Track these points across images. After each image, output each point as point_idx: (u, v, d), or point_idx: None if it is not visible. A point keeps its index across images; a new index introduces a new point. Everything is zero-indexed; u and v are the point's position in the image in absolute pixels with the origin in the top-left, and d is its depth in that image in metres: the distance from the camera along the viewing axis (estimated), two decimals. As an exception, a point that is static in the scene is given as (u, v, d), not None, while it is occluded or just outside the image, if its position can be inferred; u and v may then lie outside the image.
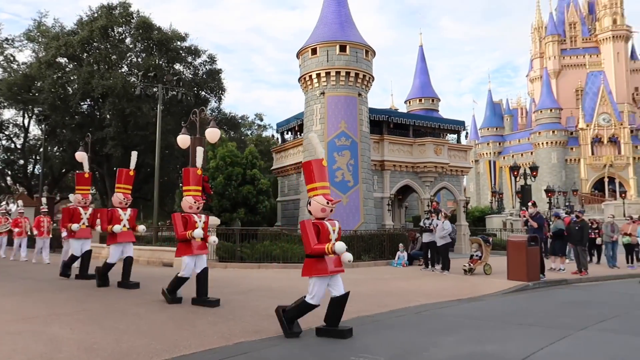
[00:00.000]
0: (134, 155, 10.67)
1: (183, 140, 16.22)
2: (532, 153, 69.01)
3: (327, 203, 6.09)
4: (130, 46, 33.16)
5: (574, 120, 69.64)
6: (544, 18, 79.08)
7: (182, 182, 8.83)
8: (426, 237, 15.21)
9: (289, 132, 27.92)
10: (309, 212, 6.22)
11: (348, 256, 5.84)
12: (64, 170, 38.64)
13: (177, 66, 33.64)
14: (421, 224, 16.12)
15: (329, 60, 20.81)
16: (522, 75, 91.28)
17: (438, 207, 17.53)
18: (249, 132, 50.69)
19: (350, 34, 21.29)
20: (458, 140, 26.70)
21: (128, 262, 10.07)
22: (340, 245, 5.76)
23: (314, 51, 21.21)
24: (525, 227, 13.74)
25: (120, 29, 32.57)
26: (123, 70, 32.50)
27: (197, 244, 7.98)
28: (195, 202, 8.08)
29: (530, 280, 12.00)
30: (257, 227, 19.33)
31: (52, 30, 34.04)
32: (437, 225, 14.71)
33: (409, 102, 39.16)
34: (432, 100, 38.74)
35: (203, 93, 34.39)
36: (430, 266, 15.25)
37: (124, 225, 9.89)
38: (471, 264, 14.08)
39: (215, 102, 36.03)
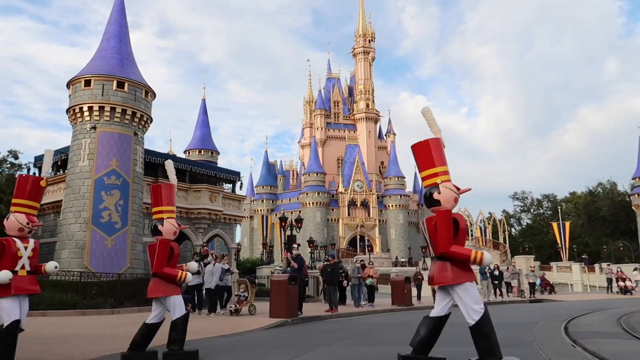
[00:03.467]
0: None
1: None
2: (300, 212, 75.36)
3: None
4: None
5: (335, 184, 79.08)
6: (315, 94, 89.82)
7: (152, 202, 6.46)
8: (193, 280, 15.12)
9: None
10: (434, 202, 4.99)
11: (490, 257, 4.93)
12: None
13: None
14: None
15: (104, 95, 19.72)
16: (297, 142, 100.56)
17: (208, 251, 17.67)
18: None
19: (130, 72, 20.71)
20: (233, 190, 27.71)
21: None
22: (489, 257, 4.76)
23: (87, 83, 19.88)
24: (288, 267, 14.90)
25: None
26: None
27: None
28: (178, 226, 6.27)
29: (289, 316, 12.92)
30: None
31: None
32: (205, 266, 14.87)
33: (189, 152, 39.12)
34: (212, 153, 39.51)
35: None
36: (197, 309, 15.11)
37: (22, 267, 5.91)
38: (237, 305, 14.47)
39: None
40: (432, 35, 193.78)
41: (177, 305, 6.24)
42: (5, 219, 6.10)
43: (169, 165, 7.11)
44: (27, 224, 6.02)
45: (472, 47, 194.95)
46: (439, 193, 4.93)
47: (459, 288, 4.79)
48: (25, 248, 6.00)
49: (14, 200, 6.26)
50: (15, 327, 5.75)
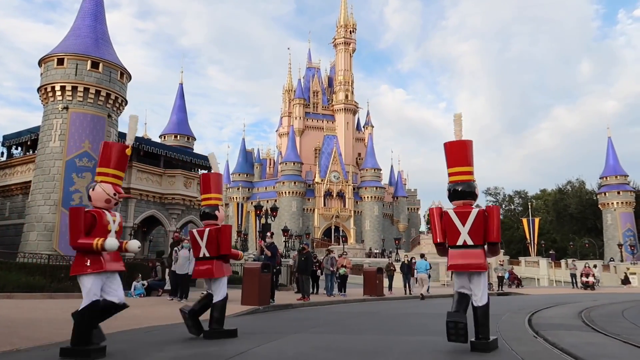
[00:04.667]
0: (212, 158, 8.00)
1: None
2: (276, 200, 75.23)
3: None
4: None
5: (311, 174, 79.11)
6: (294, 83, 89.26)
7: (202, 189, 7.39)
8: (173, 267, 15.08)
9: (19, 147, 24.26)
10: (465, 196, 5.90)
11: None
12: None
13: None
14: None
15: (77, 74, 19.24)
16: (275, 131, 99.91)
17: (180, 237, 17.53)
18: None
19: (105, 52, 20.25)
20: (209, 177, 27.44)
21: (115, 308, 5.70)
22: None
23: (60, 61, 19.36)
24: (262, 255, 14.90)
25: None
26: None
27: None
28: None
29: (261, 304, 12.95)
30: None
31: None
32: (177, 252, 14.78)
33: (164, 137, 38.62)
34: (188, 139, 39.05)
35: None
36: (173, 295, 15.03)
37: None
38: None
39: None
40: (413, 29, 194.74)
41: (221, 286, 7.04)
42: (91, 189, 5.65)
43: (212, 158, 7.88)
44: (114, 194, 5.59)
45: (452, 43, 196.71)
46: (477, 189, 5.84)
47: (485, 275, 5.73)
48: (114, 222, 5.58)
49: (99, 170, 5.78)
50: (94, 307, 5.51)
